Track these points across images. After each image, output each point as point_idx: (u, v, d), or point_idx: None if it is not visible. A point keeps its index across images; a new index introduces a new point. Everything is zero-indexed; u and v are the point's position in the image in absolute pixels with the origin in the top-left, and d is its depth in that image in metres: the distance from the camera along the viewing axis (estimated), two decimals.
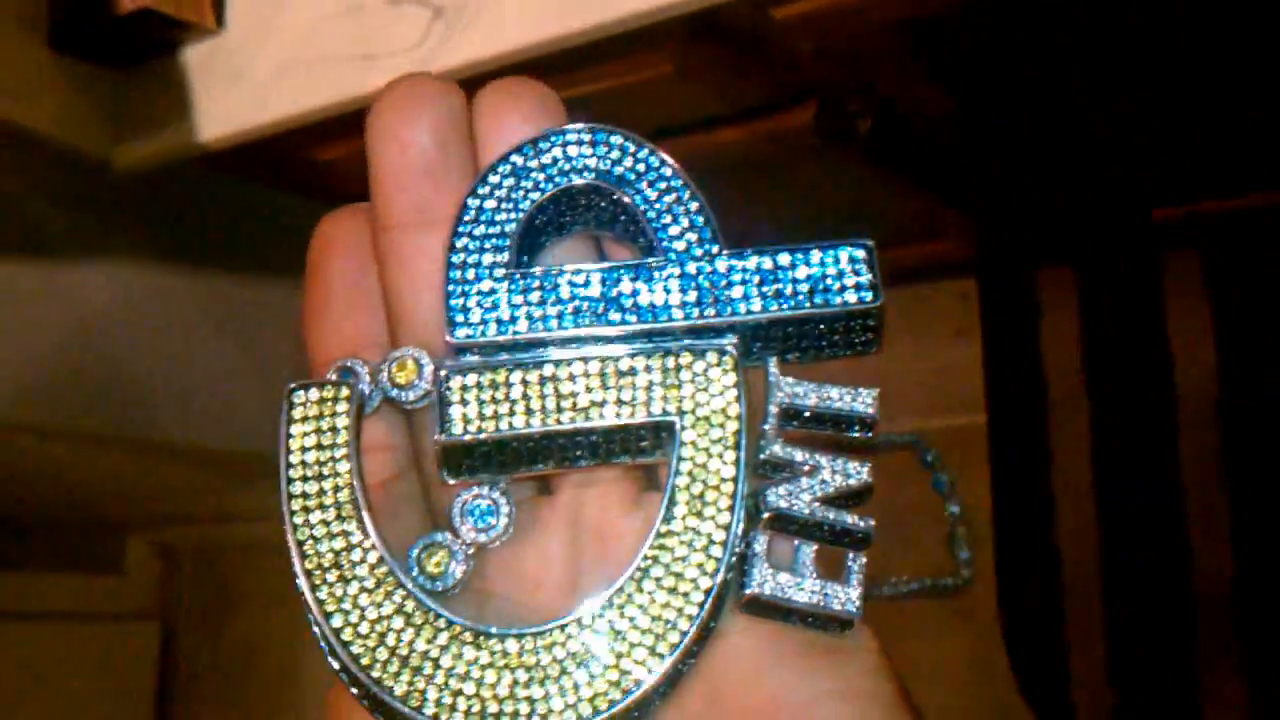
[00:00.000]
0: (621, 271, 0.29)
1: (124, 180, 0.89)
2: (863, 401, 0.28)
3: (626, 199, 0.30)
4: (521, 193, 0.29)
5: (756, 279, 0.29)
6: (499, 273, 0.29)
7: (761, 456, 0.28)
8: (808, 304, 0.29)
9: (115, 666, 1.52)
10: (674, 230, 0.29)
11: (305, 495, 0.28)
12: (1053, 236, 1.07)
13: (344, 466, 0.28)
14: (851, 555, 0.28)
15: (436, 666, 0.26)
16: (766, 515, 0.27)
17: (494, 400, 0.28)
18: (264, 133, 0.80)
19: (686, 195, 0.30)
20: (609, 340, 0.28)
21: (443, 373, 0.28)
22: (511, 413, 0.28)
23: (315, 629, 0.27)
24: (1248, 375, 0.99)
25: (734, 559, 0.27)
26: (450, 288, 0.29)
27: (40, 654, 1.44)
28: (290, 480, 0.28)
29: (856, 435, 0.29)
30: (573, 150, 0.30)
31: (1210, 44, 0.83)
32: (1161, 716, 0.99)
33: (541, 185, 0.29)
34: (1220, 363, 0.99)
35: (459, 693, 0.26)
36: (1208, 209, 1.01)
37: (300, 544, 0.27)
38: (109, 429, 0.99)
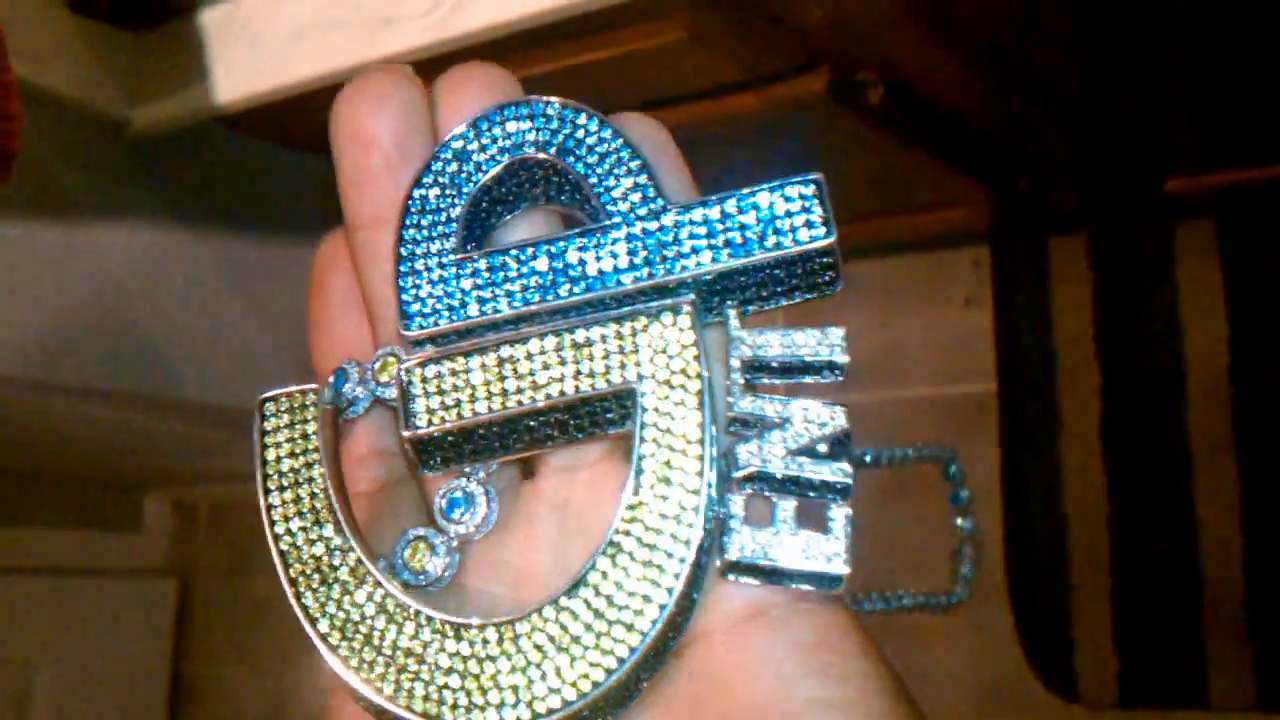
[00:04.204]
0: (567, 242, 0.28)
1: (142, 141, 0.89)
2: (830, 344, 0.28)
3: (568, 168, 0.29)
4: (464, 176, 0.29)
5: (704, 231, 0.28)
6: (446, 259, 0.29)
7: (730, 414, 0.27)
8: (758, 250, 0.28)
9: (132, 622, 1.53)
10: (617, 192, 0.29)
11: (284, 504, 0.28)
12: (1068, 204, 1.07)
13: (318, 471, 0.28)
14: (834, 509, 0.26)
15: (421, 662, 0.26)
16: (739, 475, 0.26)
17: (455, 389, 0.28)
18: (280, 95, 0.80)
19: (627, 155, 0.29)
20: (562, 313, 0.28)
21: (402, 369, 0.28)
22: (473, 399, 0.28)
23: (307, 636, 0.27)
24: (1258, 345, 0.99)
25: (710, 524, 0.26)
26: (401, 281, 0.29)
27: (59, 609, 1.45)
28: (268, 490, 0.28)
29: (827, 380, 0.28)
30: (511, 127, 0.29)
31: (1229, 12, 0.82)
32: (1166, 683, 1.00)
33: (484, 165, 0.29)
34: (1231, 332, 1.00)
35: (445, 686, 0.26)
36: (1221, 179, 1.01)
37: (283, 553, 0.28)
38: (127, 387, 1.00)
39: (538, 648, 0.26)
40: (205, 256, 1.04)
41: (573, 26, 0.70)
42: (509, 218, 0.30)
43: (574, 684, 0.25)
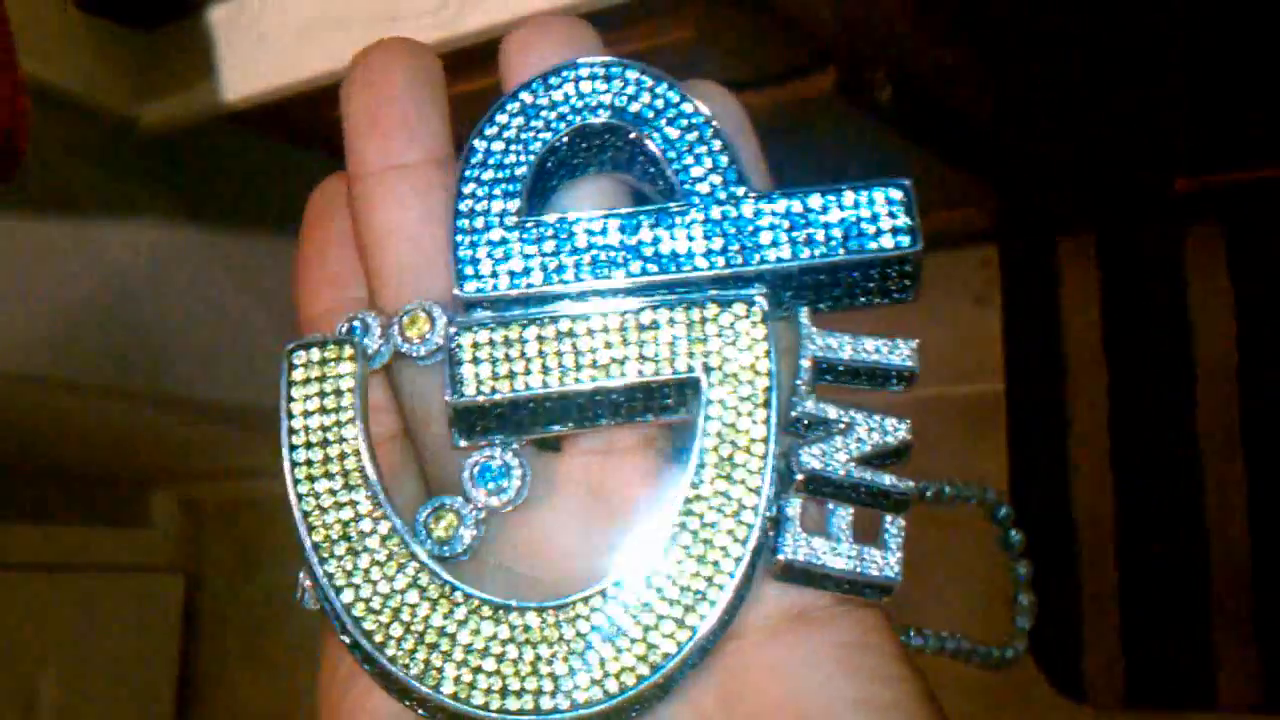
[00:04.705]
0: (641, 217, 0.27)
1: (149, 139, 0.89)
2: (901, 354, 0.27)
3: (644, 139, 0.28)
4: (532, 133, 0.27)
5: (786, 224, 0.27)
6: (510, 221, 0.27)
7: (793, 414, 0.26)
8: (840, 250, 0.27)
9: (140, 619, 1.53)
10: (696, 171, 0.27)
11: (309, 463, 0.26)
12: (1075, 205, 1.07)
13: (350, 431, 0.26)
14: (889, 518, 0.26)
15: (454, 643, 0.25)
16: (800, 477, 0.26)
17: (508, 358, 0.26)
18: (287, 93, 0.80)
19: (709, 134, 0.28)
20: (629, 292, 0.27)
21: (452, 330, 0.26)
22: (527, 371, 0.26)
23: (325, 604, 0.26)
24: (1267, 346, 0.99)
25: (766, 524, 0.25)
26: (458, 237, 0.27)
27: (65, 605, 1.45)
28: (293, 447, 0.26)
29: (895, 389, 0.27)
30: (585, 86, 0.28)
31: (1239, 10, 0.82)
32: (1175, 683, 0.99)
33: (553, 124, 0.27)
34: (1240, 333, 0.99)
35: (478, 670, 0.25)
36: (1231, 179, 1.00)
37: (306, 515, 0.26)
38: (134, 384, 1.00)
39: (582, 636, 0.25)
40: (212, 254, 1.04)
41: None
42: (572, 184, 0.29)
43: (618, 676, 0.25)
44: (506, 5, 0.71)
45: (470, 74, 0.85)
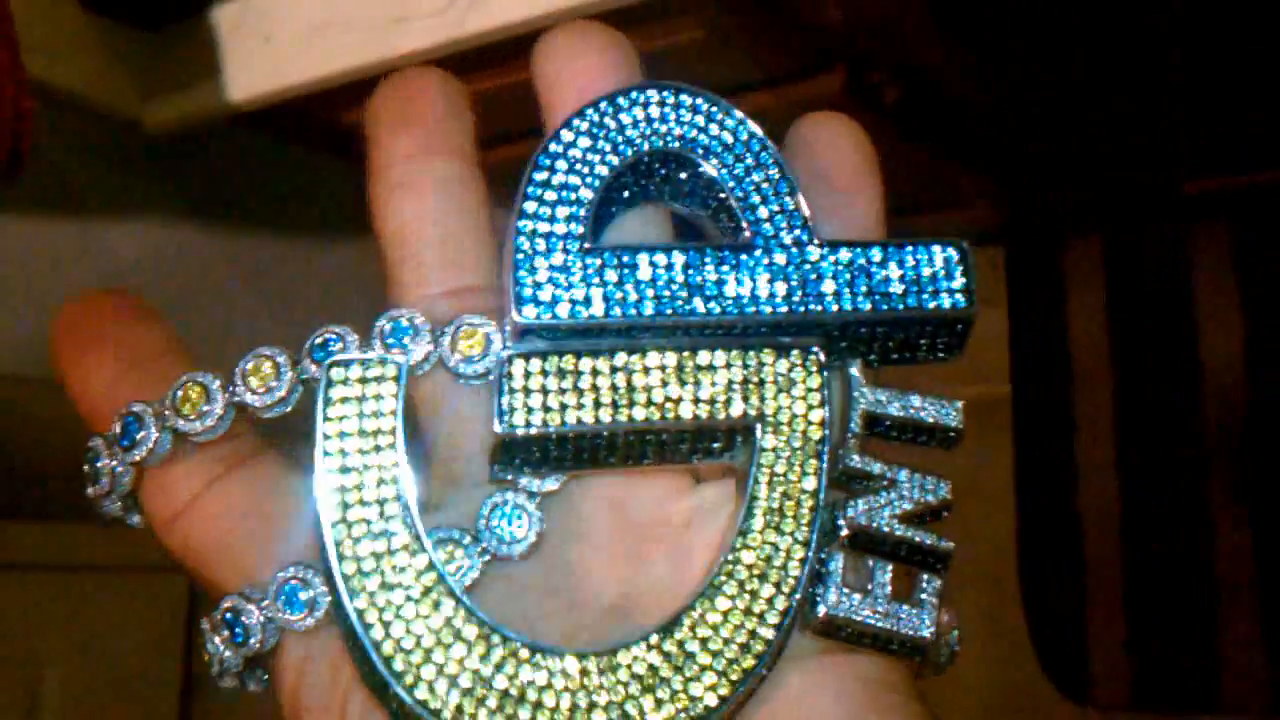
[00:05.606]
0: (706, 255, 0.26)
1: (155, 139, 0.89)
2: (950, 413, 0.27)
3: (712, 172, 0.27)
4: (597, 157, 0.26)
5: (849, 275, 0.26)
6: (572, 245, 0.26)
7: (840, 467, 0.26)
8: (901, 306, 0.26)
9: (144, 618, 1.53)
10: (762, 212, 0.27)
11: (343, 489, 0.24)
12: (1080, 205, 1.06)
13: (389, 457, 0.25)
14: (925, 577, 0.26)
15: (489, 687, 0.23)
16: (845, 532, 0.26)
17: (560, 390, 0.25)
18: (293, 94, 0.80)
19: (777, 174, 0.27)
20: (687, 331, 0.26)
21: (505, 355, 0.25)
22: (579, 405, 0.25)
23: (349, 640, 0.24)
24: (1273, 346, 0.98)
25: (810, 577, 0.25)
26: (518, 257, 0.26)
27: (70, 605, 1.45)
28: (327, 471, 0.25)
29: (937, 447, 0.27)
30: (655, 111, 0.27)
31: (1244, 14, 0.82)
32: (1180, 686, 0.99)
33: (620, 149, 0.27)
34: (1245, 333, 0.99)
35: (512, 717, 0.23)
36: (1238, 181, 1.00)
37: (337, 544, 0.24)
38: None
39: (622, 684, 0.24)
40: (217, 254, 1.04)
41: None
42: (626, 213, 0.28)
43: None
44: (512, 6, 0.71)
45: (474, 76, 0.84)
